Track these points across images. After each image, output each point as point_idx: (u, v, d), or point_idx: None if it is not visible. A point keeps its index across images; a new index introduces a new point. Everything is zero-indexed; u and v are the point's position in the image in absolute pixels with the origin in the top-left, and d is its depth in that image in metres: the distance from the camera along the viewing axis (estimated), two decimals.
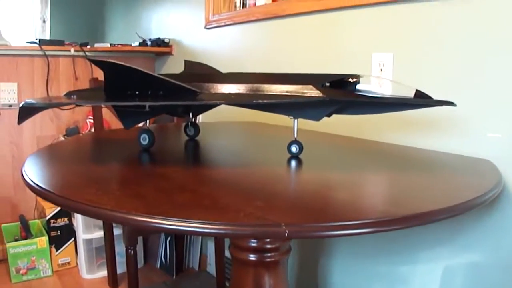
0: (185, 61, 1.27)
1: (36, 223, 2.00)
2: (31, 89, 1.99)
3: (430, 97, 0.79)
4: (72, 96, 0.98)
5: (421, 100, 0.79)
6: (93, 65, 2.11)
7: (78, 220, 1.88)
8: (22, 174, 0.71)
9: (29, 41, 2.03)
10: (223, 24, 1.80)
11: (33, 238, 1.85)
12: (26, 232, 1.88)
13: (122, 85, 0.95)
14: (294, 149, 0.92)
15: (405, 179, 0.77)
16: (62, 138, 2.04)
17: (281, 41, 1.53)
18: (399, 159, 0.97)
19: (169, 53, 2.22)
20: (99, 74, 2.15)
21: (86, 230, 1.89)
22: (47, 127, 2.06)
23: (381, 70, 1.18)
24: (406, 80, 1.12)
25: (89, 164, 0.81)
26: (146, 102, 0.85)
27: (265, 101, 0.81)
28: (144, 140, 0.97)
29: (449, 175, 0.82)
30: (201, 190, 0.65)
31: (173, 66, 2.20)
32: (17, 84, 1.93)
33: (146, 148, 0.97)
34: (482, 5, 0.96)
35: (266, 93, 0.85)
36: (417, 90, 0.79)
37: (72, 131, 2.05)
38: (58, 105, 0.84)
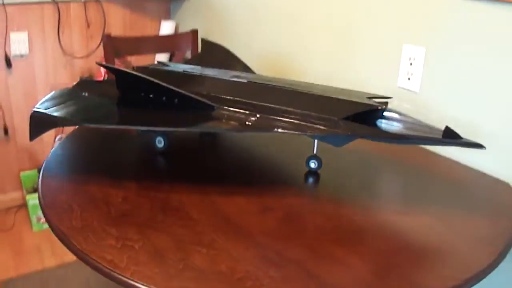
0: (203, 41, 1.20)
1: None
2: (42, 38, 1.92)
3: (459, 136, 0.74)
4: (83, 93, 0.94)
5: (448, 140, 0.74)
6: (108, 11, 2.02)
7: None
8: (42, 211, 0.71)
9: None
10: None
11: None
12: None
13: (135, 88, 0.91)
14: (313, 165, 0.90)
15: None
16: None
17: (301, 14, 1.42)
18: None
19: None
20: (113, 22, 2.06)
21: None
22: (61, 74, 2.02)
23: (411, 64, 1.11)
24: (436, 82, 1.05)
25: (102, 186, 0.80)
26: (158, 121, 0.82)
27: (287, 131, 0.77)
28: (160, 143, 0.95)
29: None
30: (219, 242, 0.65)
31: (190, 12, 2.09)
32: (27, 33, 1.86)
33: (162, 151, 0.96)
34: None
35: (288, 117, 0.80)
36: (446, 127, 0.74)
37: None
38: (71, 124, 0.81)
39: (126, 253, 0.61)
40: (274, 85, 0.86)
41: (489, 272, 0.65)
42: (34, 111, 0.86)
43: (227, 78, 0.91)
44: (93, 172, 0.85)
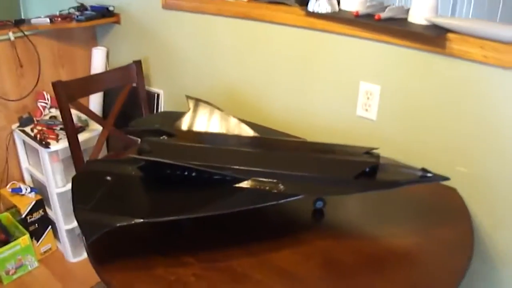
0: (189, 98, 1.29)
1: (5, 216, 1.97)
2: None
3: (433, 174, 0.99)
4: (107, 178, 1.01)
5: (426, 177, 0.99)
6: (37, 45, 1.93)
7: (57, 212, 1.91)
8: None
9: None
10: (185, 9, 1.74)
11: (14, 238, 1.86)
12: (5, 234, 1.87)
13: (161, 169, 1.00)
14: (319, 205, 1.11)
15: None
16: (18, 131, 1.92)
17: (257, 45, 1.57)
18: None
19: (115, 22, 2.07)
20: (42, 57, 1.98)
21: (67, 220, 1.94)
22: None
23: (368, 98, 1.35)
24: (390, 112, 1.31)
25: (167, 266, 0.91)
26: (198, 205, 0.94)
27: (311, 194, 0.96)
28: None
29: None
30: None
31: (122, 37, 2.08)
32: None
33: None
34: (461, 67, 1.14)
35: (308, 181, 0.99)
36: (423, 168, 1.00)
37: (26, 121, 1.94)
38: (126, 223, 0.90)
39: None
40: (285, 153, 1.03)
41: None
42: (78, 210, 0.91)
43: (241, 149, 1.04)
44: (146, 253, 0.96)
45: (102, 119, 1.79)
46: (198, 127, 1.21)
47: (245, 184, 0.98)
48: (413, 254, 0.97)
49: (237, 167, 1.01)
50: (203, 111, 1.25)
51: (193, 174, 0.99)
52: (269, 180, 0.99)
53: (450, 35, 1.13)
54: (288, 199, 0.97)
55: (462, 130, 1.20)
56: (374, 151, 1.07)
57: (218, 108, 1.26)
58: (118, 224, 0.86)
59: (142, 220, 0.87)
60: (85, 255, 2.00)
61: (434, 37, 1.14)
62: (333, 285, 0.87)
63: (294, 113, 1.56)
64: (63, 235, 1.95)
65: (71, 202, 0.93)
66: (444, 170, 1.04)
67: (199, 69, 1.81)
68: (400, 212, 1.12)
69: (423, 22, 1.16)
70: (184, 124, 1.22)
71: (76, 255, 2.01)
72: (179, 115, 1.31)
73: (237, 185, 0.98)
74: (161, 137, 1.17)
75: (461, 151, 1.21)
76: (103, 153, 1.88)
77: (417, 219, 1.09)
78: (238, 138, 1.12)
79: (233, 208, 0.92)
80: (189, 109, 1.25)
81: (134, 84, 1.82)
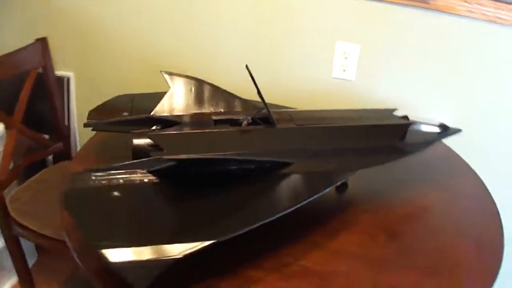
0: (165, 73, 1.04)
1: None
2: None
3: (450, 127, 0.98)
4: (114, 193, 0.75)
5: (447, 131, 0.97)
6: None
7: None
8: None
9: None
10: None
11: None
12: None
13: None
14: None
15: None
16: None
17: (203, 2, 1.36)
18: None
19: None
20: None
21: None
22: None
23: (346, 58, 1.28)
24: (369, 71, 1.27)
25: None
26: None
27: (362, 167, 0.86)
28: None
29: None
30: None
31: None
32: None
33: None
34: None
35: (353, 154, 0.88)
36: (441, 124, 0.98)
37: None
38: None
39: None
40: (318, 126, 0.90)
41: None
42: (106, 249, 0.63)
43: (267, 128, 0.88)
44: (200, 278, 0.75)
45: (6, 116, 1.37)
46: (190, 107, 0.99)
47: (293, 169, 0.83)
48: (446, 205, 0.95)
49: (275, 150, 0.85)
50: (187, 86, 1.02)
51: (233, 167, 0.80)
52: (317, 160, 0.85)
53: None
54: (347, 176, 0.86)
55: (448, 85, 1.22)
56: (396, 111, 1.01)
57: (201, 80, 1.04)
58: (183, 254, 0.62)
59: (212, 241, 0.64)
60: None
61: None
62: (414, 256, 0.80)
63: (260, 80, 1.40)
64: None
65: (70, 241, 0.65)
66: None
67: (122, 43, 1.50)
68: (410, 176, 1.06)
69: None
70: (169, 106, 0.98)
71: None
72: (147, 97, 1.06)
73: (282, 171, 0.82)
74: (152, 128, 0.92)
75: (440, 104, 1.24)
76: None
77: (431, 179, 1.06)
78: (247, 115, 0.93)
79: (303, 200, 0.76)
80: (169, 86, 1.01)
81: (40, 70, 1.43)
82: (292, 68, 1.34)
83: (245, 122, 0.90)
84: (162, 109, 0.97)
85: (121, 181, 0.77)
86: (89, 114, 1.00)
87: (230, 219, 0.70)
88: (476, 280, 0.76)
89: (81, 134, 1.66)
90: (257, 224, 0.68)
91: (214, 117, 0.92)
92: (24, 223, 1.26)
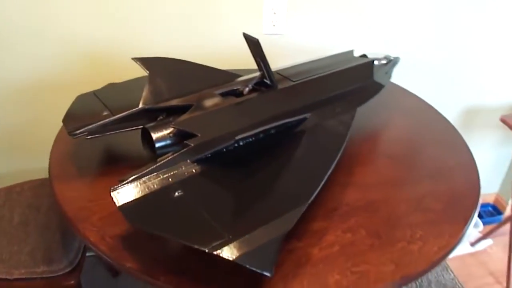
0: (138, 60, 0.95)
1: None
2: None
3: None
4: (176, 193, 0.71)
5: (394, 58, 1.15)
6: None
7: None
8: None
9: None
10: None
11: None
12: None
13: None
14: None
15: None
16: None
17: None
18: None
19: None
20: None
21: None
22: None
23: (275, 13, 1.33)
24: (299, 24, 1.35)
25: None
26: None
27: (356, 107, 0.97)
28: None
29: None
30: None
31: None
32: None
33: None
34: None
35: (341, 100, 0.98)
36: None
37: None
38: None
39: None
40: (312, 78, 0.96)
41: None
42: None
43: (270, 92, 0.91)
44: None
45: None
46: (177, 88, 0.93)
47: (313, 121, 0.89)
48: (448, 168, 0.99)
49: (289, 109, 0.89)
50: (164, 69, 0.96)
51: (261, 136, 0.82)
52: (327, 107, 0.93)
53: None
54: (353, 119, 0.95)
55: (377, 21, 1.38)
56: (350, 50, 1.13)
57: (174, 59, 1.00)
58: (294, 222, 0.65)
59: (309, 201, 0.68)
60: None
61: None
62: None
63: (192, 51, 1.36)
64: None
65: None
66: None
67: (26, 37, 1.26)
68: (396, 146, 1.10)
69: None
70: (156, 92, 0.91)
71: None
72: (109, 91, 0.97)
73: (302, 128, 0.88)
74: (158, 119, 0.86)
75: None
76: None
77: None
78: (245, 83, 0.94)
79: (341, 147, 0.83)
80: (147, 73, 0.94)
81: None
82: (221, 29, 1.33)
83: (246, 90, 0.91)
84: (149, 97, 0.90)
85: (170, 180, 0.73)
86: (64, 123, 0.87)
87: (301, 182, 0.74)
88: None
89: None
90: (326, 177, 0.74)
91: (216, 92, 0.90)
92: None
